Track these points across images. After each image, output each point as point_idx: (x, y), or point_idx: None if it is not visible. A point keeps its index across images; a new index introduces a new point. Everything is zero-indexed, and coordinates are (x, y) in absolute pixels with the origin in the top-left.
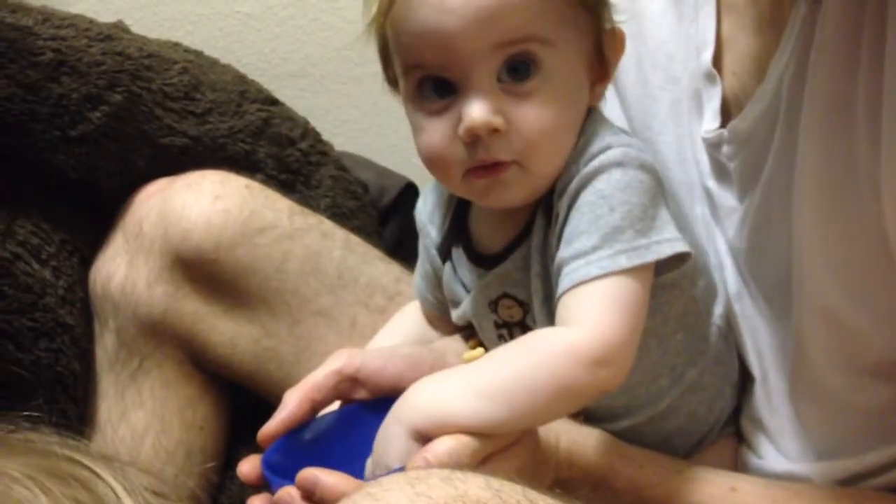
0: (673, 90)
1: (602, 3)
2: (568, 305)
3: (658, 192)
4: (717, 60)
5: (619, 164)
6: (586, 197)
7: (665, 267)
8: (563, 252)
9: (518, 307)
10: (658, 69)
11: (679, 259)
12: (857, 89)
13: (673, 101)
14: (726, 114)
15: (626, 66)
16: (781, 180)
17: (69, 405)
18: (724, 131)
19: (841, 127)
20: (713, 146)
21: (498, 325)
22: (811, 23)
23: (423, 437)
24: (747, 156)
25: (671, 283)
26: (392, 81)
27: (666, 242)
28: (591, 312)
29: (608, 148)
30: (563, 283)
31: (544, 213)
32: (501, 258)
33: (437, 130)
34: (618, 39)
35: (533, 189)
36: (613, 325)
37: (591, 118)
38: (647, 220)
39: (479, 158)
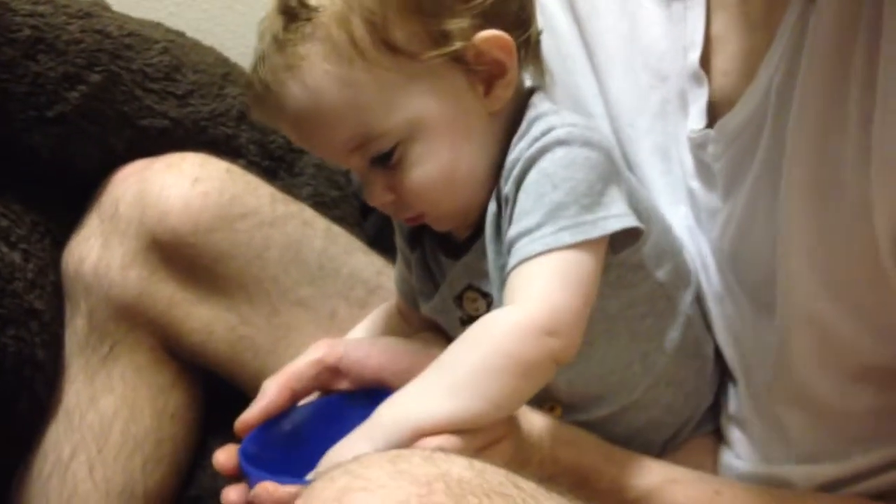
0: (662, 89)
1: (447, 36)
2: (513, 282)
3: (608, 168)
4: (705, 60)
5: (562, 142)
6: (531, 177)
7: (620, 244)
8: (511, 232)
9: (482, 299)
10: (648, 67)
11: (633, 236)
12: (850, 95)
13: (662, 99)
14: (713, 114)
15: (613, 64)
16: (767, 183)
17: (35, 392)
18: (711, 131)
19: (831, 132)
20: (698, 146)
21: (463, 321)
22: (803, 24)
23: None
24: (733, 156)
25: (635, 264)
26: None
27: (613, 218)
28: (535, 288)
29: (551, 129)
30: (510, 261)
31: (495, 200)
32: (466, 248)
33: (365, 188)
34: (497, 43)
35: (460, 215)
36: (557, 296)
37: (532, 103)
38: (594, 195)
39: (395, 216)
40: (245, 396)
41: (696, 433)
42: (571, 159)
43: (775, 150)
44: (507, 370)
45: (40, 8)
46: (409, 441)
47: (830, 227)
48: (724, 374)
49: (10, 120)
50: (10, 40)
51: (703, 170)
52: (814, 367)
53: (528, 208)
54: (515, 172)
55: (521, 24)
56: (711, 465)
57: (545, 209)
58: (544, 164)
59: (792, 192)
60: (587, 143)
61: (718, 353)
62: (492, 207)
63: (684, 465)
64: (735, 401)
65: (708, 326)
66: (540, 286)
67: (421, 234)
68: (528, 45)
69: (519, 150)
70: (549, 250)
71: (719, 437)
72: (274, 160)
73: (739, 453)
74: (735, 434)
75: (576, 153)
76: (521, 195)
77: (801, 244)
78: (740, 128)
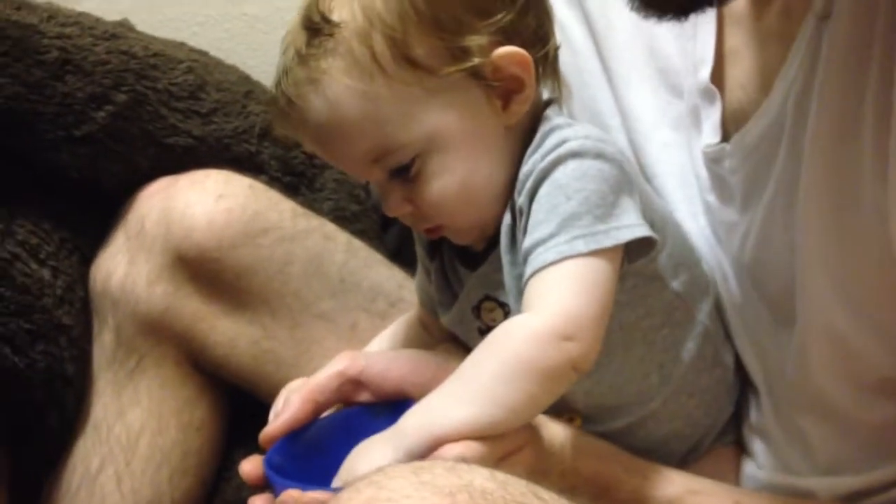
0: (678, 104)
1: (466, 52)
2: (530, 291)
3: (620, 179)
4: (719, 75)
5: (574, 154)
6: (544, 189)
7: (635, 253)
8: (525, 242)
9: (500, 309)
10: (666, 83)
11: (647, 245)
12: (865, 108)
13: (679, 114)
14: (727, 128)
15: (630, 78)
16: (785, 194)
17: (64, 406)
18: (726, 145)
19: (847, 145)
20: (713, 161)
21: (481, 331)
22: (818, 38)
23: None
24: (750, 170)
25: (651, 275)
26: None
27: (626, 228)
28: (551, 295)
29: (564, 142)
30: (526, 271)
31: (510, 211)
32: (483, 258)
33: (384, 199)
34: (515, 59)
35: (477, 227)
36: (573, 302)
37: (546, 117)
38: (606, 206)
39: (415, 227)
40: (268, 409)
41: (717, 444)
42: (584, 171)
43: (792, 162)
44: (524, 376)
45: (67, 30)
46: (430, 448)
47: (847, 238)
48: (744, 384)
49: (40, 140)
50: (38, 62)
51: (719, 184)
52: (832, 377)
53: (541, 219)
54: (529, 184)
55: (538, 40)
56: (733, 476)
57: (559, 219)
58: (557, 175)
59: (809, 202)
60: (600, 155)
61: (739, 363)
62: (506, 219)
63: (705, 475)
64: (756, 411)
65: (728, 336)
66: (556, 293)
67: (440, 245)
68: (546, 61)
69: (532, 162)
70: (564, 258)
71: (740, 448)
72: (295, 176)
73: (761, 464)
74: (756, 444)
75: (588, 165)
76: (535, 206)
77: (818, 255)
78: (757, 141)
